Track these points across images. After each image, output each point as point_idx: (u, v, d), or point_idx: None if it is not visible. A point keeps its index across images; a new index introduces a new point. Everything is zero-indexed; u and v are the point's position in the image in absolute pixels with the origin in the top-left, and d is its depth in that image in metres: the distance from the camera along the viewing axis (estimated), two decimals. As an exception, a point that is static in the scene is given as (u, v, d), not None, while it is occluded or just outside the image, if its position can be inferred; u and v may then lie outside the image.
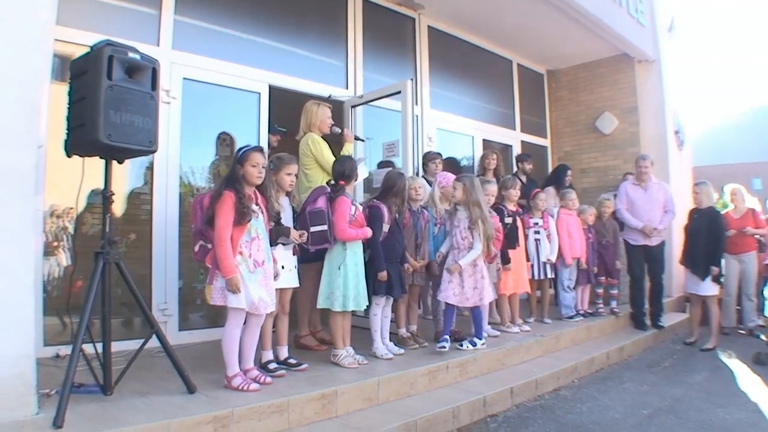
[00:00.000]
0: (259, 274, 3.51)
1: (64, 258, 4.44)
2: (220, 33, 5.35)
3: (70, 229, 4.43)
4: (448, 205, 5.11)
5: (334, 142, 5.06)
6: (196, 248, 3.69)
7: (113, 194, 3.31)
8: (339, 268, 4.11)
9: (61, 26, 4.31)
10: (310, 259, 4.46)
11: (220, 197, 3.41)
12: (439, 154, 6.39)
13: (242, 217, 3.41)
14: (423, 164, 6.26)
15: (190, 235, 3.93)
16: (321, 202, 4.12)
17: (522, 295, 6.04)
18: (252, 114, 5.48)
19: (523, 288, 5.74)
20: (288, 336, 4.21)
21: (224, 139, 5.41)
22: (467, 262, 4.63)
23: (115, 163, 3.35)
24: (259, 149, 3.58)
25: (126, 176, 4.84)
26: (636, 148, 8.45)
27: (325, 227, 4.03)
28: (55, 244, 4.42)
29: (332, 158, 4.71)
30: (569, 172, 7.60)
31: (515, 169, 7.80)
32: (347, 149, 5.00)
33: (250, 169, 3.52)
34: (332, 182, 4.29)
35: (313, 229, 4.01)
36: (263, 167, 3.56)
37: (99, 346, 3.25)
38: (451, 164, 6.96)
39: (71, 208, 4.41)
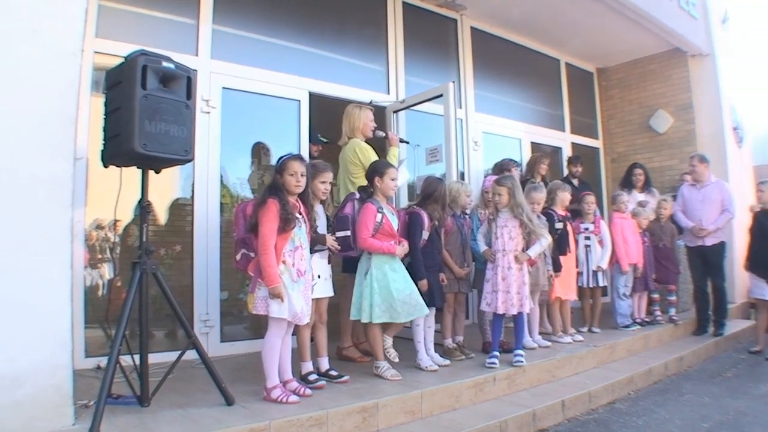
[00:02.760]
0: (301, 284, 3.49)
1: (107, 270, 4.51)
2: (258, 41, 5.39)
3: (114, 240, 4.49)
4: (485, 209, 5.05)
5: (379, 147, 5.02)
6: (238, 257, 3.71)
7: (150, 204, 3.33)
8: (365, 277, 4.07)
9: (101, 38, 4.40)
10: (354, 269, 4.43)
11: (264, 204, 3.42)
12: (514, 161, 6.32)
13: (286, 224, 3.41)
14: (498, 173, 6.14)
15: (232, 246, 3.95)
16: (348, 208, 4.15)
17: (574, 304, 5.87)
18: (292, 122, 5.48)
19: (572, 295, 5.59)
20: (330, 347, 4.17)
21: (266, 149, 5.44)
22: (537, 252, 4.61)
23: (154, 173, 3.38)
24: (297, 158, 3.58)
25: (171, 187, 4.91)
26: (692, 147, 8.12)
27: (348, 233, 4.03)
28: (99, 256, 4.50)
29: (375, 157, 4.69)
30: (636, 171, 7.29)
31: (565, 172, 7.63)
32: (392, 154, 4.95)
33: (288, 178, 3.51)
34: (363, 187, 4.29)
35: (337, 234, 4.03)
36: (302, 175, 3.54)
37: (137, 357, 3.25)
38: (500, 169, 6.84)
39: (118, 221, 4.48)
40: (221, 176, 5.05)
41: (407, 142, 5.26)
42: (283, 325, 3.49)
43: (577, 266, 5.77)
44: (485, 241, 4.69)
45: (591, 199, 6.00)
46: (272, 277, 3.34)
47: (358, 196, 4.27)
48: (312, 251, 3.81)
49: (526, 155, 7.64)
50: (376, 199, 4.16)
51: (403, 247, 4.15)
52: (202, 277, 4.83)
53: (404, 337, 4.76)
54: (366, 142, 4.89)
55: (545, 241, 4.64)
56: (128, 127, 3.04)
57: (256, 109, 5.31)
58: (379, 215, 4.07)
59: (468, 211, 5.16)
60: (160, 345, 4.56)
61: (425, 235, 4.41)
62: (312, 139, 5.70)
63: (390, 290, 4.01)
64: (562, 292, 5.45)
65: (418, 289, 4.24)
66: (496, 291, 4.49)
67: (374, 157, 4.76)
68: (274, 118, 5.45)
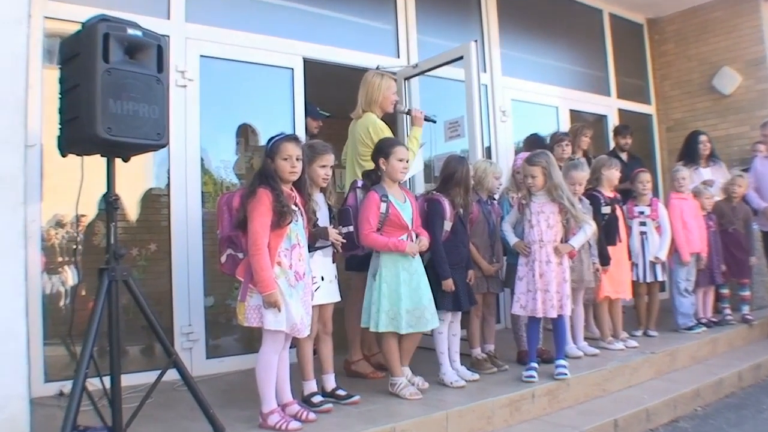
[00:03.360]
0: (300, 288, 3.48)
1: (69, 275, 4.51)
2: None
3: (77, 240, 4.49)
4: (517, 192, 5.03)
5: (391, 124, 5.00)
6: (224, 258, 3.71)
7: (118, 199, 3.31)
8: (374, 278, 4.09)
9: (54, 0, 4.38)
10: (359, 266, 4.41)
11: (253, 196, 3.41)
12: (567, 135, 6.29)
13: (281, 218, 3.39)
14: (554, 143, 6.16)
15: (216, 244, 3.95)
16: (350, 199, 4.17)
17: (627, 302, 5.85)
18: (285, 94, 5.48)
19: (625, 293, 5.56)
20: (336, 361, 4.17)
21: (253, 127, 5.43)
22: (581, 242, 4.62)
23: (122, 161, 3.36)
24: (292, 138, 3.57)
25: (142, 175, 4.93)
26: (766, 111, 8.02)
27: (351, 228, 4.05)
28: (60, 259, 4.50)
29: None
30: (701, 139, 7.17)
31: (612, 145, 7.57)
32: (415, 135, 4.88)
33: (281, 163, 3.49)
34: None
35: (341, 230, 4.05)
36: (298, 159, 3.52)
37: (108, 380, 3.24)
38: (533, 144, 6.79)
39: (81, 217, 4.49)
40: (202, 160, 5.05)
41: (434, 121, 5.19)
42: (280, 339, 3.48)
43: (630, 257, 5.74)
44: (517, 231, 4.68)
45: (646, 177, 5.93)
46: (267, 282, 3.32)
47: (361, 183, 4.27)
48: (312, 248, 3.80)
49: (564, 126, 7.60)
50: (381, 186, 4.14)
51: (417, 243, 4.11)
52: (182, 281, 4.84)
53: (424, 347, 4.75)
54: (382, 119, 4.85)
55: (589, 229, 4.63)
56: (89, 109, 3.01)
57: (242, 81, 5.30)
58: (384, 204, 4.05)
59: (496, 196, 5.14)
60: (135, 364, 4.57)
61: (447, 225, 4.39)
62: (310, 113, 5.69)
63: (400, 294, 4.01)
64: (611, 290, 5.40)
65: (442, 291, 4.26)
66: (532, 290, 4.47)
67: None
68: (263, 90, 5.44)
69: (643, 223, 5.85)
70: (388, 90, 4.85)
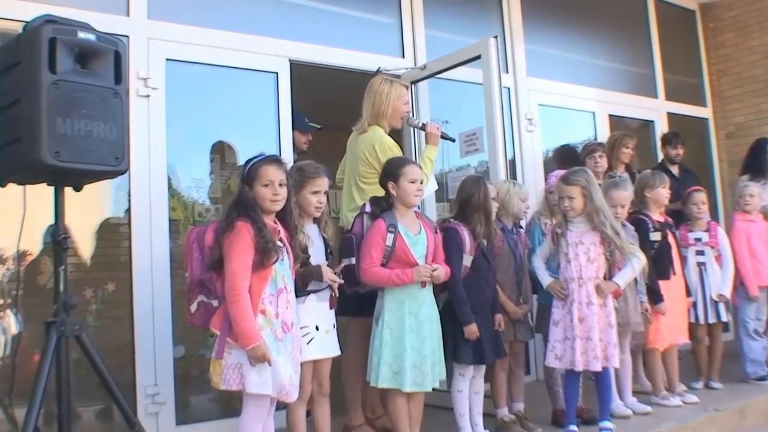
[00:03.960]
0: (288, 342, 3.45)
1: (10, 322, 4.49)
2: (215, -9, 5.42)
3: (19, 280, 4.48)
4: (551, 218, 5.05)
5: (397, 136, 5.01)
6: (194, 307, 3.63)
7: (68, 237, 3.30)
8: (377, 323, 4.07)
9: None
10: (357, 311, 4.40)
11: (230, 230, 3.37)
12: (601, 145, 6.30)
13: (266, 256, 3.36)
14: (586, 157, 6.16)
15: (185, 288, 3.88)
16: (356, 226, 4.17)
17: (684, 347, 5.83)
18: (268, 104, 5.48)
19: (682, 337, 5.53)
20: (334, 426, 4.14)
21: (229, 145, 5.45)
22: (628, 279, 4.62)
23: (71, 190, 3.36)
24: (272, 160, 3.53)
25: (98, 202, 4.91)
26: None
27: (353, 260, 4.05)
28: (1, 302, 4.49)
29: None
30: None
31: (660, 156, 7.56)
32: (429, 156, 4.81)
33: (260, 190, 3.46)
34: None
35: (343, 262, 4.06)
36: (281, 185, 3.50)
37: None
38: (563, 157, 6.78)
39: (24, 254, 4.49)
40: (169, 182, 5.04)
41: (452, 140, 5.15)
42: (265, 404, 3.42)
43: (687, 294, 5.71)
44: (550, 266, 4.67)
45: (700, 197, 5.91)
46: (250, 333, 3.26)
47: (369, 208, 4.23)
48: (303, 292, 3.77)
49: (602, 135, 7.61)
50: (391, 214, 4.10)
51: (425, 269, 4.03)
52: (146, 328, 4.78)
53: (441, 406, 4.73)
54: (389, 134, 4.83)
55: (638, 263, 4.59)
56: (33, 129, 3.01)
57: (216, 88, 5.33)
58: (390, 236, 4.02)
59: (524, 222, 5.14)
60: (90, 431, 4.53)
61: (467, 260, 4.38)
62: (298, 126, 5.68)
63: (404, 344, 3.97)
64: (665, 334, 5.36)
65: (463, 340, 4.25)
66: (570, 338, 4.45)
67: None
68: (241, 99, 5.46)
69: (700, 252, 5.83)
70: (399, 100, 4.80)
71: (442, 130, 4.96)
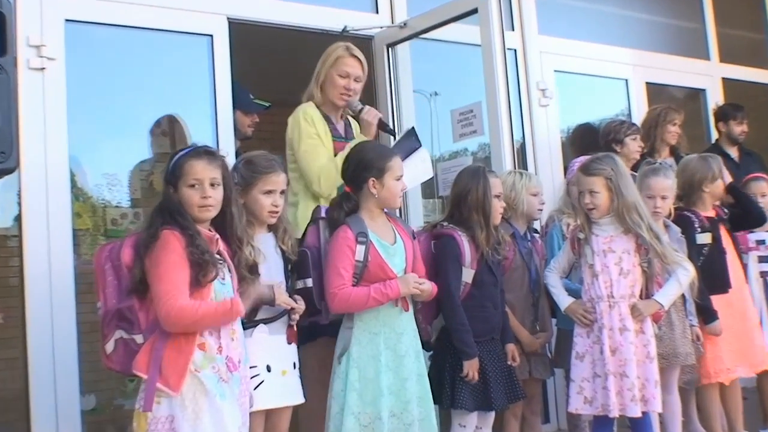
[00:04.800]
0: (236, 384, 3.46)
1: None
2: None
3: None
4: (575, 218, 5.03)
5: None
6: (110, 345, 3.54)
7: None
8: (339, 361, 4.03)
9: None
10: (314, 337, 4.40)
11: (154, 241, 3.37)
12: (634, 125, 6.43)
13: (202, 270, 3.36)
14: (611, 143, 6.24)
15: (96, 316, 3.85)
16: (310, 236, 4.15)
17: (747, 382, 5.88)
18: (201, 75, 5.50)
19: (742, 368, 5.51)
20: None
21: (162, 128, 5.44)
22: (673, 297, 4.65)
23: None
24: (200, 153, 3.54)
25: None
26: None
27: (309, 282, 4.01)
28: None
29: (326, 158, 4.64)
30: None
31: (714, 135, 7.66)
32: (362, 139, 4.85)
33: (186, 192, 3.47)
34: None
35: (297, 285, 4.03)
36: (213, 185, 3.51)
37: None
38: (583, 140, 6.86)
39: None
40: (73, 179, 5.06)
41: (393, 133, 5.20)
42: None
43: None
44: (567, 279, 4.74)
45: (761, 187, 5.98)
46: (224, 308, 3.40)
47: (324, 212, 4.24)
48: (250, 322, 3.77)
49: (639, 107, 7.71)
50: (358, 219, 4.09)
51: (414, 279, 4.06)
52: (45, 372, 4.77)
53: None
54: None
55: (685, 275, 4.61)
56: None
57: (133, 58, 5.35)
58: (360, 248, 4.01)
59: (538, 225, 5.21)
60: None
61: (467, 275, 4.42)
62: (240, 105, 5.69)
63: (380, 387, 3.96)
64: (723, 366, 5.39)
65: (461, 379, 4.26)
66: (600, 375, 4.47)
67: (312, 138, 4.71)
68: (166, 70, 5.49)
69: (764, 259, 5.89)
70: (334, 68, 4.83)
71: (380, 117, 5.00)
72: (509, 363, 4.55)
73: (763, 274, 5.88)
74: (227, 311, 3.39)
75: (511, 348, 4.60)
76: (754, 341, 5.56)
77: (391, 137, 5.26)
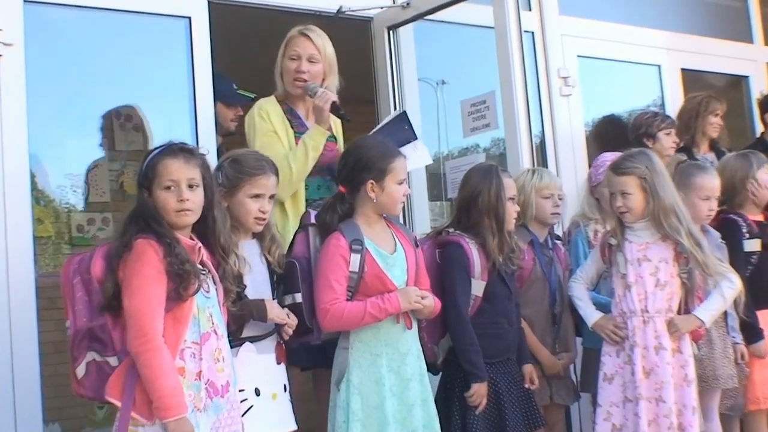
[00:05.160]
0: (216, 411, 3.45)
1: None
2: None
3: None
4: (603, 223, 5.07)
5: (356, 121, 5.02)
6: (81, 369, 3.52)
7: None
8: (338, 387, 4.02)
9: None
10: (313, 361, 4.44)
11: (128, 252, 3.37)
12: (668, 118, 6.43)
13: (183, 283, 3.34)
14: (642, 137, 6.25)
15: (62, 334, 3.84)
16: (299, 245, 4.14)
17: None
18: (178, 62, 5.50)
19: None
20: None
21: (126, 117, 5.43)
22: (717, 313, 4.63)
23: None
24: (176, 151, 3.53)
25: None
26: None
27: (298, 297, 3.99)
28: None
29: (281, 156, 4.58)
30: None
31: (760, 129, 7.63)
32: (312, 138, 4.79)
33: (161, 195, 3.45)
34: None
35: (285, 300, 4.00)
36: (192, 187, 3.49)
37: None
38: (608, 133, 6.87)
39: None
40: (33, 180, 5.06)
41: (347, 119, 5.08)
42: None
43: None
44: (594, 291, 4.73)
45: None
46: (171, 397, 3.25)
47: (313, 218, 4.23)
48: (237, 339, 3.78)
49: (673, 96, 7.72)
50: (352, 224, 4.08)
51: (415, 292, 4.04)
52: (3, 398, 4.71)
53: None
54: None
55: (730, 288, 4.57)
56: None
57: (103, 43, 5.35)
58: (355, 257, 3.99)
59: (560, 230, 5.21)
60: None
61: (477, 287, 4.41)
62: (222, 96, 5.69)
63: (384, 414, 3.95)
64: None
65: (469, 405, 4.25)
66: (632, 399, 4.45)
67: (268, 134, 4.72)
68: (138, 57, 5.48)
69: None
70: (284, 55, 4.91)
71: (333, 100, 4.91)
72: (527, 386, 4.54)
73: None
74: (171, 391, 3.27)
75: (528, 369, 4.59)
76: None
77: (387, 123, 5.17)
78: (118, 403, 3.36)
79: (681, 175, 5.03)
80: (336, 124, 5.02)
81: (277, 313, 3.83)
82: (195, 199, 3.49)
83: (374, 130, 4.95)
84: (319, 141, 4.78)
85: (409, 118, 5.03)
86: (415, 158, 4.88)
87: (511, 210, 4.58)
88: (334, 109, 4.89)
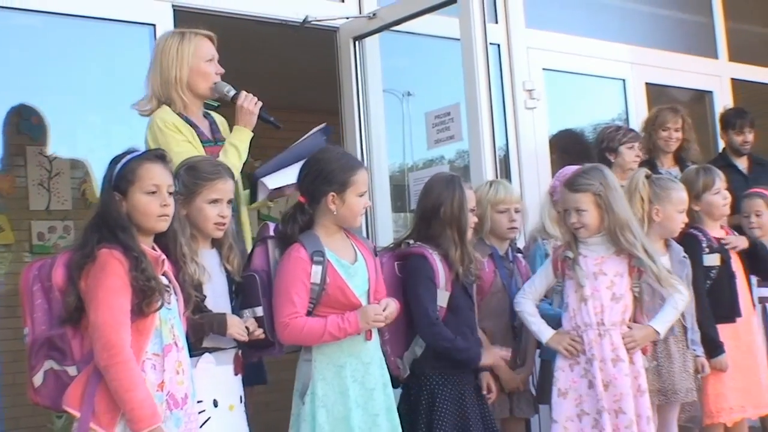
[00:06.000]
0: (175, 423, 3.43)
1: None
2: None
3: None
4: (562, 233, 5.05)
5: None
6: (39, 378, 3.49)
7: None
8: (302, 400, 4.01)
9: None
10: (260, 379, 4.48)
11: (92, 262, 3.33)
12: (632, 131, 6.47)
13: (147, 298, 3.32)
14: (604, 152, 6.29)
15: (20, 348, 3.83)
16: (258, 258, 4.11)
17: (754, 423, 5.92)
18: (141, 71, 5.38)
19: (755, 407, 5.54)
20: None
21: (89, 126, 5.42)
22: (668, 324, 4.66)
23: None
24: (158, 156, 3.54)
25: None
26: None
27: (258, 311, 3.95)
28: None
29: (191, 152, 4.44)
30: None
31: (720, 144, 7.73)
32: (237, 141, 4.66)
33: (142, 200, 3.42)
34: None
35: (244, 314, 3.94)
36: (171, 193, 3.50)
37: None
38: (567, 148, 6.91)
39: None
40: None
41: (278, 126, 4.93)
42: None
43: None
44: (548, 306, 4.77)
45: (756, 204, 6.03)
46: (144, 408, 3.23)
47: (272, 230, 4.22)
48: (196, 350, 3.75)
49: (637, 110, 7.78)
50: (312, 236, 4.08)
51: (374, 310, 3.99)
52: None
53: None
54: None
55: (682, 300, 4.64)
56: None
57: (62, 50, 5.36)
58: (317, 268, 3.98)
59: (521, 243, 5.26)
60: None
61: (442, 298, 4.43)
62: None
63: (350, 426, 3.95)
64: (730, 403, 5.41)
65: (442, 415, 4.27)
66: (589, 412, 4.48)
67: (177, 146, 4.45)
68: (101, 65, 5.50)
69: (764, 285, 5.95)
70: (196, 57, 4.66)
71: (259, 106, 4.78)
72: (485, 394, 4.56)
73: (761, 299, 5.96)
74: (141, 402, 3.23)
75: (485, 377, 4.59)
76: (760, 380, 5.57)
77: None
78: (76, 413, 3.30)
79: (658, 188, 5.06)
80: (222, 124, 4.92)
81: (236, 329, 3.77)
82: (173, 207, 3.49)
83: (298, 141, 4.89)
84: (244, 143, 4.67)
85: (330, 133, 4.97)
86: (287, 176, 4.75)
87: (472, 221, 4.63)
88: (261, 116, 4.80)
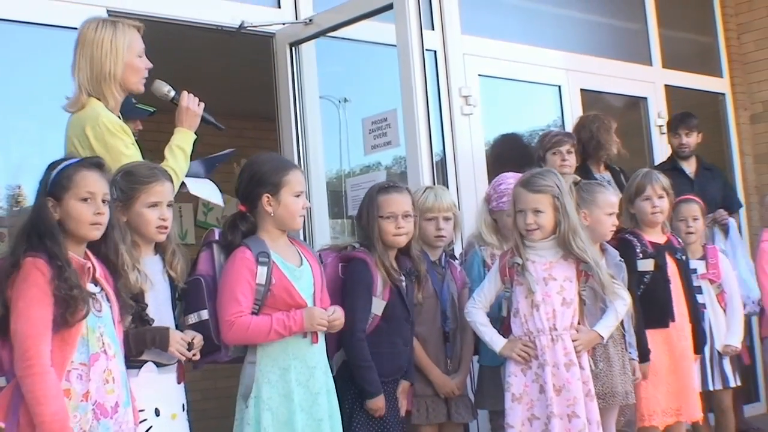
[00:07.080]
0: (109, 430, 3.41)
1: None
2: None
3: None
4: (500, 243, 5.14)
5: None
6: None
7: None
8: (246, 404, 4.02)
9: None
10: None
11: (16, 271, 3.31)
12: (570, 136, 6.51)
13: (70, 308, 3.28)
14: (538, 161, 6.34)
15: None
16: (203, 262, 4.13)
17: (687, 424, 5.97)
18: (65, 75, 5.44)
19: (692, 412, 5.62)
20: None
21: (22, 132, 5.40)
22: (611, 330, 4.72)
23: None
24: (94, 165, 3.52)
25: None
26: None
27: (204, 315, 3.96)
28: None
29: (137, 156, 4.36)
30: None
31: (656, 148, 7.97)
32: (180, 143, 4.54)
33: (76, 207, 3.40)
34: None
35: (188, 319, 3.99)
36: (105, 201, 3.47)
37: None
38: (504, 153, 6.96)
39: None
40: None
41: (220, 127, 4.90)
42: None
43: (697, 351, 5.81)
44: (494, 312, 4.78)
45: (692, 210, 6.14)
46: (54, 422, 3.21)
47: (217, 235, 4.24)
48: (136, 361, 3.74)
49: (572, 116, 7.81)
50: (257, 240, 4.12)
51: (321, 313, 4.06)
52: None
53: None
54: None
55: (623, 305, 4.73)
56: None
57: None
58: (262, 269, 4.02)
59: (457, 251, 5.33)
60: None
61: (378, 306, 4.48)
62: (122, 110, 5.66)
63: (294, 429, 3.97)
64: (662, 406, 5.50)
65: (365, 417, 4.34)
66: (539, 417, 4.53)
67: (127, 149, 4.35)
68: (30, 69, 5.49)
69: (697, 289, 5.99)
70: (130, 51, 4.47)
71: (202, 107, 4.67)
72: (398, 401, 4.58)
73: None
74: (56, 414, 3.21)
75: (403, 385, 4.62)
76: (689, 387, 5.62)
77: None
78: (1, 425, 3.30)
79: (585, 193, 5.14)
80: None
81: (178, 347, 3.74)
82: (107, 215, 3.46)
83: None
84: (188, 145, 4.54)
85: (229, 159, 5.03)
86: (209, 190, 4.85)
87: (389, 228, 4.61)
88: (204, 118, 4.70)
